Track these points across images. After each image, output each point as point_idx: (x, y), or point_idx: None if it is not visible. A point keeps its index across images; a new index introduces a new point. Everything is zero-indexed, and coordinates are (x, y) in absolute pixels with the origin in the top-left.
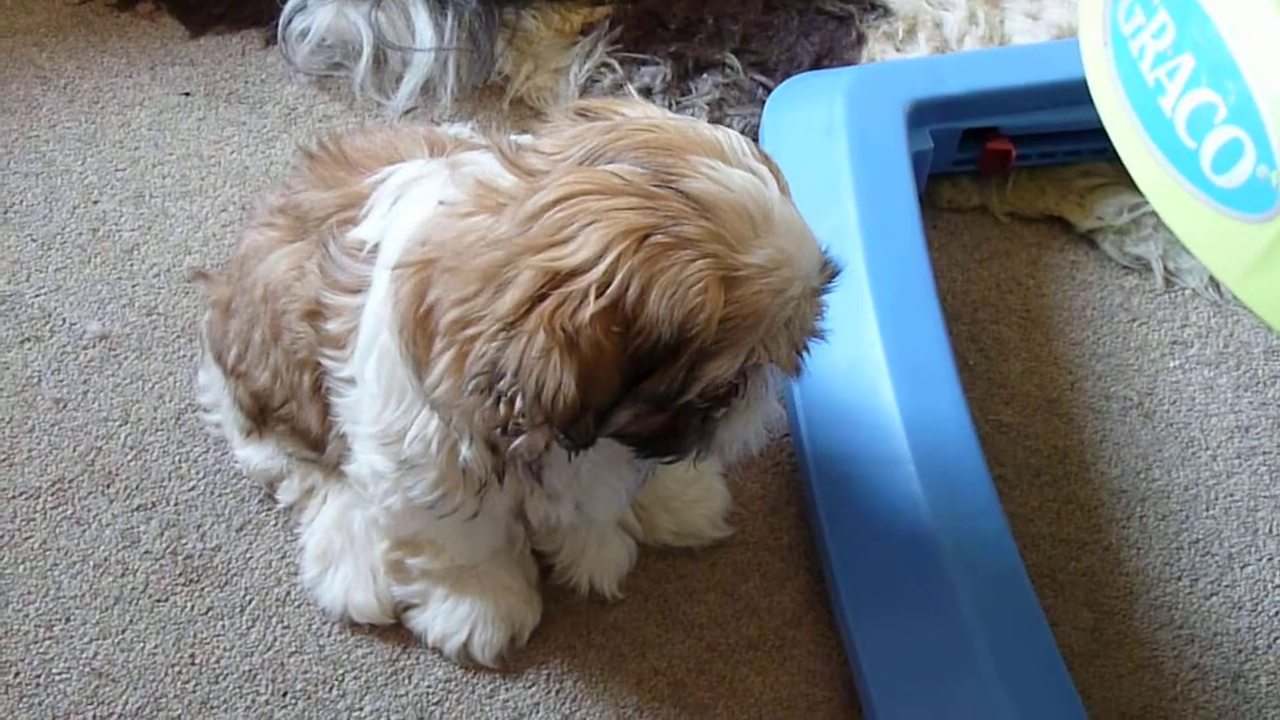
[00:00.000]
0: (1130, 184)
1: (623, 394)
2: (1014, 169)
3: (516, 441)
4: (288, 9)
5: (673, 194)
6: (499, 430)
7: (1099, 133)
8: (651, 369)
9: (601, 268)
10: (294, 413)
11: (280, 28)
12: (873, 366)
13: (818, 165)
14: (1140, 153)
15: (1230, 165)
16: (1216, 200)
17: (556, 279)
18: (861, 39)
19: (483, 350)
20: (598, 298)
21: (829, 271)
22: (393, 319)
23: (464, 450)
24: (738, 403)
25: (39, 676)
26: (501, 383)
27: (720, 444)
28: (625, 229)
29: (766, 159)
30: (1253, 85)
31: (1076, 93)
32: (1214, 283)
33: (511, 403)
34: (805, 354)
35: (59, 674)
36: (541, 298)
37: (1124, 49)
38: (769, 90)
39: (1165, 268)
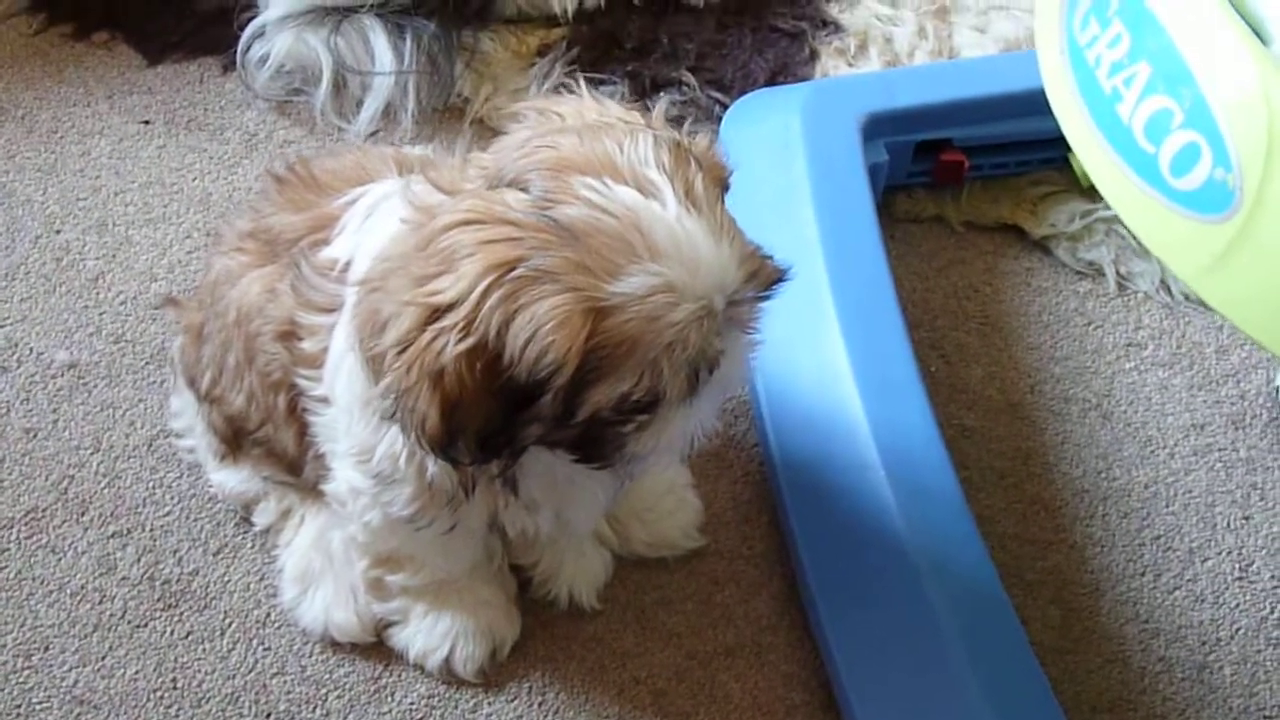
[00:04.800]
0: (1081, 191)
1: (507, 416)
2: (968, 179)
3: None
4: (246, 35)
5: (546, 223)
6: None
7: (1050, 143)
8: (531, 394)
9: (469, 304)
10: (270, 435)
11: (239, 54)
12: (838, 374)
13: (776, 179)
14: (1100, 158)
15: (1188, 168)
16: (1176, 202)
17: (432, 315)
18: (814, 55)
19: (385, 375)
20: (463, 336)
21: (761, 279)
22: (353, 335)
23: (430, 466)
24: (646, 419)
25: (19, 706)
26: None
27: (637, 455)
28: (493, 263)
29: (682, 165)
30: (1206, 92)
31: (1027, 104)
32: (1165, 286)
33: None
34: (704, 375)
35: (39, 703)
36: (419, 331)
37: (1080, 58)
38: (725, 107)
39: (1118, 272)
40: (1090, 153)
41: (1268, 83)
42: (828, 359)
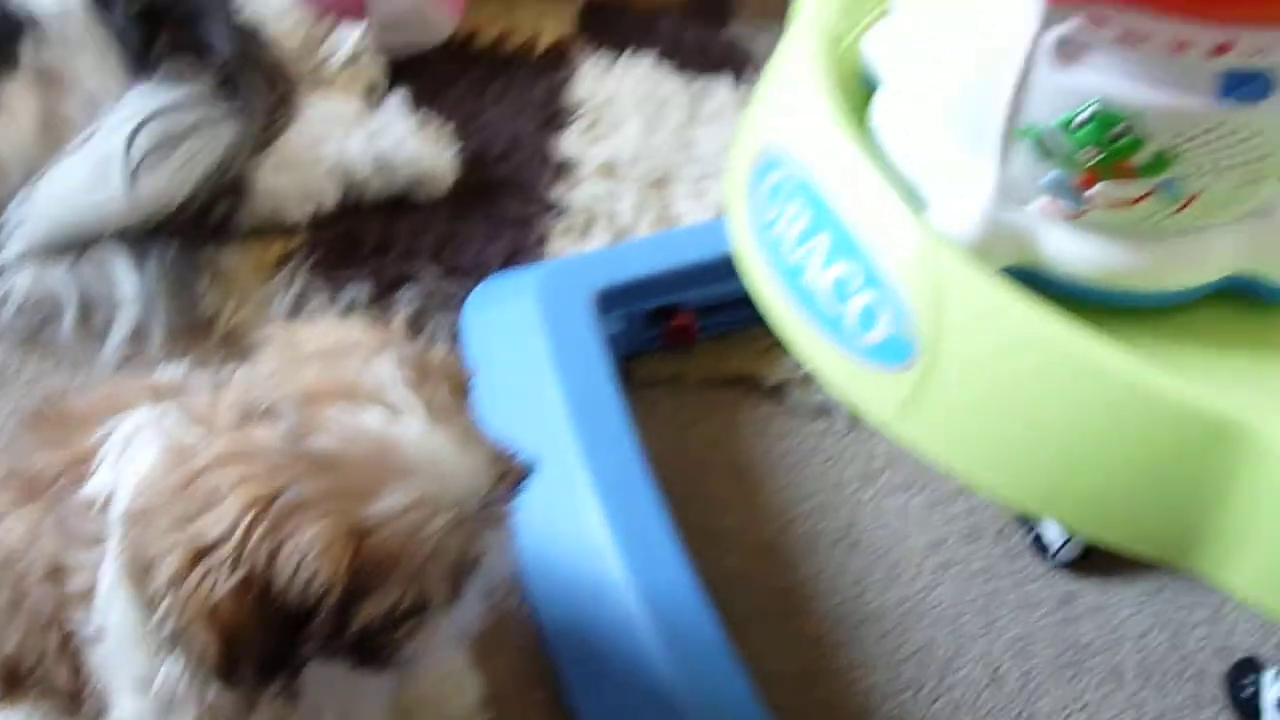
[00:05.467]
0: None
1: (283, 638)
2: (700, 339)
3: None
4: None
5: (300, 454)
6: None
7: None
8: (304, 616)
9: (235, 539)
10: (48, 672)
11: None
12: (598, 541)
13: (520, 360)
14: (794, 323)
15: (871, 325)
16: (864, 356)
17: (200, 554)
18: (543, 238)
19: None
20: (233, 571)
21: (510, 478)
22: (122, 571)
23: (210, 690)
24: (416, 623)
25: None
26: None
27: (412, 657)
28: (254, 497)
29: (425, 380)
30: (876, 258)
31: None
32: None
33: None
34: (466, 576)
35: None
36: (189, 569)
37: (767, 235)
38: (466, 294)
39: (847, 411)
40: (786, 320)
41: (925, 247)
42: (586, 527)
